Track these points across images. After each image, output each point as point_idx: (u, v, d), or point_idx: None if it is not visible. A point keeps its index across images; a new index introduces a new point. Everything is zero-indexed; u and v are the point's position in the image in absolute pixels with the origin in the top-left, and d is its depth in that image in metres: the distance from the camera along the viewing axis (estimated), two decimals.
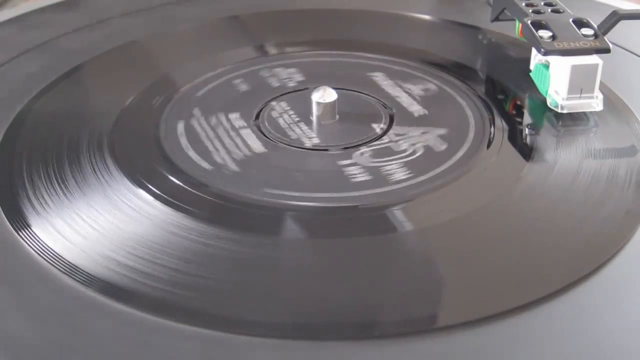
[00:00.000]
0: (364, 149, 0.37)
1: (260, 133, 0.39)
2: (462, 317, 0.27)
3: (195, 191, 0.34)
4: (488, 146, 0.37)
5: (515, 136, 0.39)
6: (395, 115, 0.40)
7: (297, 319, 0.28)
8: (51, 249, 0.31)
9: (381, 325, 0.28)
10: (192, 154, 0.37)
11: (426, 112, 0.41)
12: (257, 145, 0.38)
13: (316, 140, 0.38)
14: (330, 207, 0.33)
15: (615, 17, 0.41)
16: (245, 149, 0.37)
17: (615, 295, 0.29)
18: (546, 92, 0.40)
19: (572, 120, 0.40)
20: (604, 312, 0.28)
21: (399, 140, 0.38)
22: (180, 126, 0.39)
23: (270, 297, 0.29)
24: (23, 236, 0.32)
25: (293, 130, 0.39)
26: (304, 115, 0.40)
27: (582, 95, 0.39)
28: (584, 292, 0.28)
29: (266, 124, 0.39)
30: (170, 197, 0.34)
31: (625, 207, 0.33)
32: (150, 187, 0.34)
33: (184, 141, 0.38)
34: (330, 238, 0.32)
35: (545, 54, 0.39)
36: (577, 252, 0.31)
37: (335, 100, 0.39)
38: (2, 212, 0.33)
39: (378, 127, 0.39)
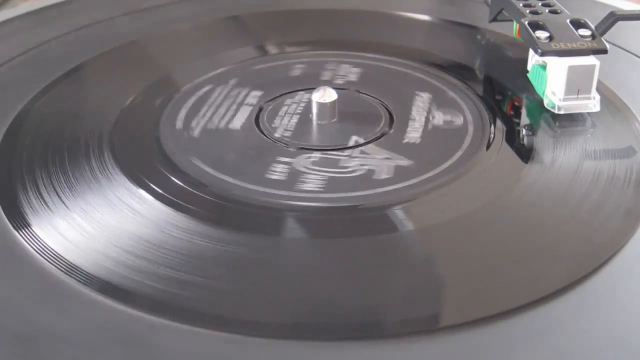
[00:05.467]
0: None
1: (261, 133, 0.39)
2: (462, 317, 0.27)
3: (195, 191, 0.34)
4: (487, 147, 0.37)
5: (513, 137, 0.39)
6: (394, 116, 0.40)
7: (297, 319, 0.28)
8: (51, 249, 0.31)
9: (381, 325, 0.28)
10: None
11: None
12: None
13: (317, 140, 0.38)
14: (330, 207, 0.33)
15: (613, 17, 0.41)
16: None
17: (615, 295, 0.29)
18: (543, 92, 0.40)
19: (570, 121, 0.40)
20: (604, 312, 0.28)
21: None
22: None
23: (270, 297, 0.29)
24: (23, 236, 0.32)
25: (294, 131, 0.39)
26: (305, 116, 0.40)
27: (579, 96, 0.39)
28: (584, 292, 0.29)
29: (266, 124, 0.40)
30: (170, 197, 0.34)
31: (625, 207, 0.33)
32: (150, 187, 0.34)
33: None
34: (330, 238, 0.32)
35: (542, 54, 0.39)
36: (577, 252, 0.31)
37: (335, 100, 0.39)
38: (2, 212, 0.33)
39: (378, 127, 0.39)
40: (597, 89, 0.39)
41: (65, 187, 0.35)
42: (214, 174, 0.35)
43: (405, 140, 0.38)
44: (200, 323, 0.27)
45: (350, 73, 0.45)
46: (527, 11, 0.43)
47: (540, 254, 0.31)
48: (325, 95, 0.39)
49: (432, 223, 0.33)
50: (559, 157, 0.37)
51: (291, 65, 0.46)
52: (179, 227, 0.32)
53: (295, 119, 0.40)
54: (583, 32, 0.40)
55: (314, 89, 0.40)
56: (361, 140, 0.38)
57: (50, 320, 0.27)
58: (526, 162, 0.36)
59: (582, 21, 0.41)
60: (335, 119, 0.40)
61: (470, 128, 0.39)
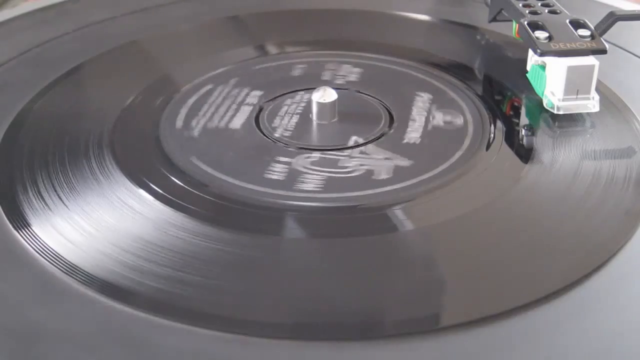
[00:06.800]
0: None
1: (260, 133, 0.39)
2: (462, 317, 0.27)
3: (195, 191, 0.34)
4: (487, 147, 0.37)
5: (513, 137, 0.39)
6: (394, 116, 0.40)
7: (297, 319, 0.28)
8: (51, 249, 0.31)
9: (381, 325, 0.28)
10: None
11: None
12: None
13: (317, 140, 0.38)
14: (330, 207, 0.33)
15: (612, 18, 0.41)
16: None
17: (615, 295, 0.29)
18: (543, 93, 0.40)
19: (569, 121, 0.40)
20: (604, 312, 0.28)
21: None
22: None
23: (270, 297, 0.29)
24: (23, 236, 0.32)
25: (294, 131, 0.39)
26: (305, 116, 0.40)
27: (579, 96, 0.39)
28: (584, 292, 0.29)
29: (266, 124, 0.40)
30: (170, 197, 0.34)
31: (625, 207, 0.33)
32: (151, 187, 0.34)
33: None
34: (330, 238, 0.32)
35: (541, 54, 0.39)
36: (577, 252, 0.31)
37: (335, 100, 0.39)
38: (2, 212, 0.33)
39: (378, 127, 0.39)
40: (597, 89, 0.39)
41: (66, 187, 0.35)
42: (214, 174, 0.35)
43: (405, 141, 0.38)
44: (200, 323, 0.27)
45: (351, 73, 0.45)
46: (527, 11, 0.43)
47: (540, 254, 0.31)
48: (325, 95, 0.39)
49: (432, 223, 0.33)
50: (559, 157, 0.37)
51: (291, 65, 0.46)
52: (179, 227, 0.32)
53: (295, 119, 0.40)
54: (582, 32, 0.40)
55: (314, 89, 0.40)
56: (361, 140, 0.38)
57: (50, 320, 0.27)
58: (526, 163, 0.36)
59: (582, 21, 0.41)
60: (335, 119, 0.40)
61: (470, 128, 0.39)
